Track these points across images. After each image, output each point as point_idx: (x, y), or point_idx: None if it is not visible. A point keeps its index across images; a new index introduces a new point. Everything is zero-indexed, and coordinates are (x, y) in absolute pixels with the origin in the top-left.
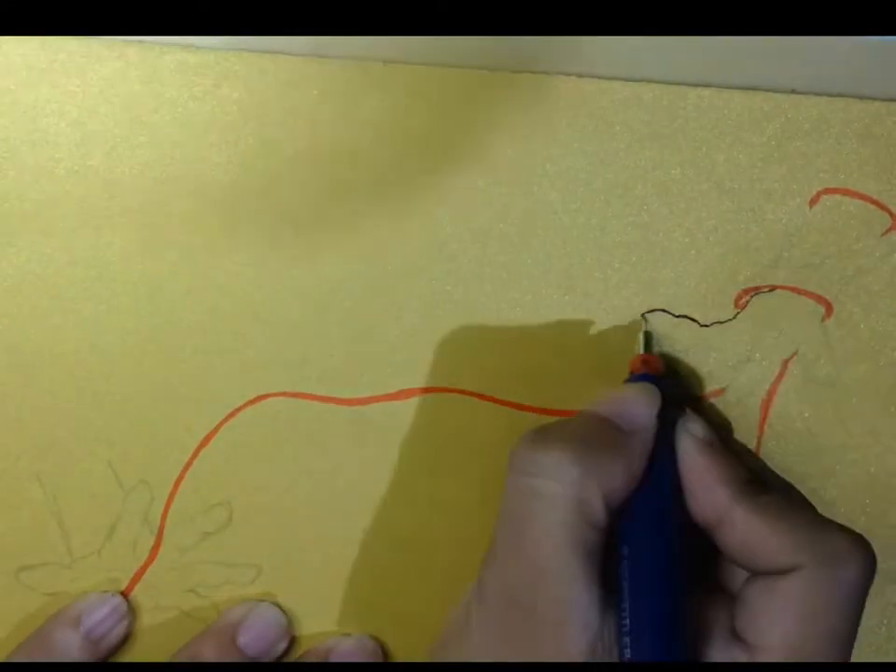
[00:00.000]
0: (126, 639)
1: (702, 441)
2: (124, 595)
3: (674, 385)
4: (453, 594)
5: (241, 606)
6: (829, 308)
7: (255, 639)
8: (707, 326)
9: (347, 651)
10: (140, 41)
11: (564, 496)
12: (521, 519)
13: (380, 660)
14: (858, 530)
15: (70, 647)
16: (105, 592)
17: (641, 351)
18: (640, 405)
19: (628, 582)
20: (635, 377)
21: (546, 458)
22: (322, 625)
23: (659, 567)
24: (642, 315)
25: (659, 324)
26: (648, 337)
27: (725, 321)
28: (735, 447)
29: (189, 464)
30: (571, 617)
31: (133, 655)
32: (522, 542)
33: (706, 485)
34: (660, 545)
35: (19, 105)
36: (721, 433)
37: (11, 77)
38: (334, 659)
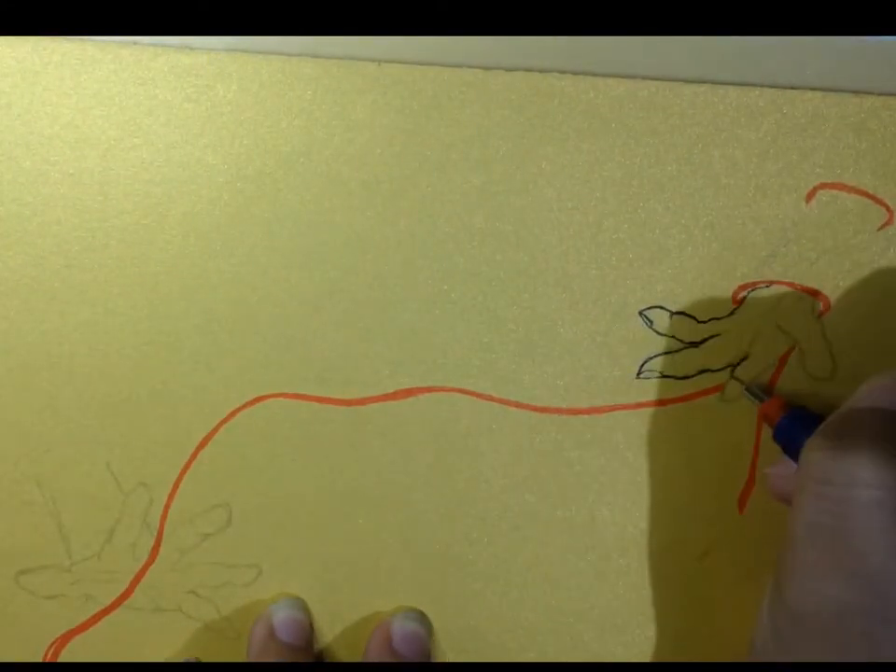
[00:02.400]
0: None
1: None
2: (124, 596)
3: (803, 407)
4: (453, 592)
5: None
6: (826, 303)
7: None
8: (704, 322)
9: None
10: (134, 43)
11: (887, 499)
12: (836, 531)
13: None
14: None
15: None
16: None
17: (759, 402)
18: None
19: None
20: (783, 423)
21: (858, 465)
22: (321, 626)
23: None
24: (640, 312)
25: (656, 321)
26: (751, 388)
27: (723, 317)
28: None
29: (187, 466)
30: None
31: (134, 657)
32: (843, 556)
33: None
34: None
35: (13, 108)
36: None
37: (5, 80)
38: (396, 632)
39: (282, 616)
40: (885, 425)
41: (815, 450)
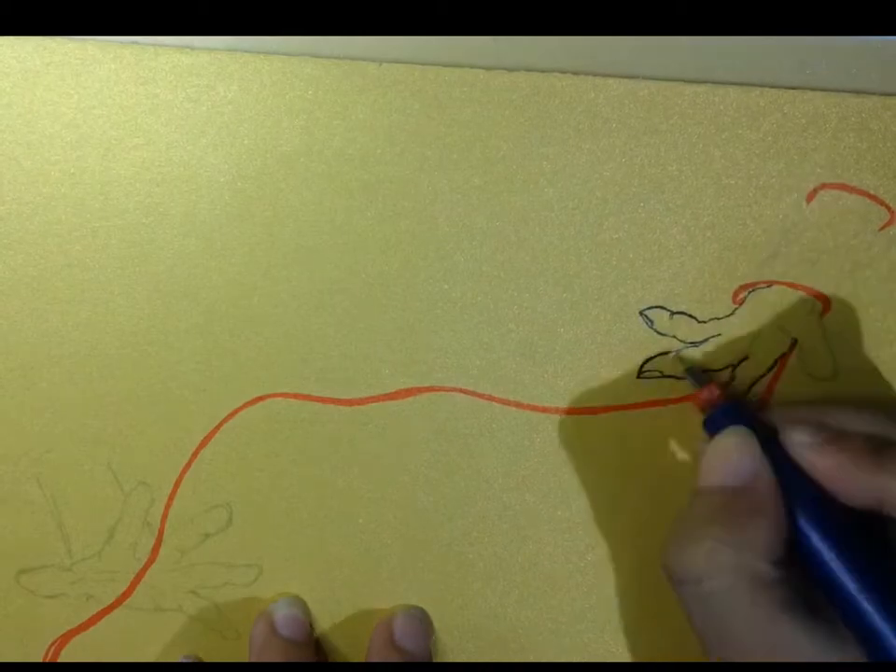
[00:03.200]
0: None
1: (821, 443)
2: (125, 595)
3: (739, 401)
4: (453, 591)
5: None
6: (827, 303)
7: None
8: (704, 322)
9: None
10: (135, 43)
11: (740, 579)
12: (717, 622)
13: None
14: None
15: None
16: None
17: (697, 386)
18: (744, 458)
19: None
20: (715, 416)
21: (698, 559)
22: (322, 625)
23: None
24: (640, 311)
25: (657, 321)
26: (693, 371)
27: (723, 317)
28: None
29: (188, 465)
30: None
31: (134, 656)
32: (733, 640)
33: (854, 479)
34: (848, 545)
35: (14, 108)
36: None
37: (6, 80)
38: (398, 628)
39: (282, 613)
40: (719, 504)
41: (667, 552)
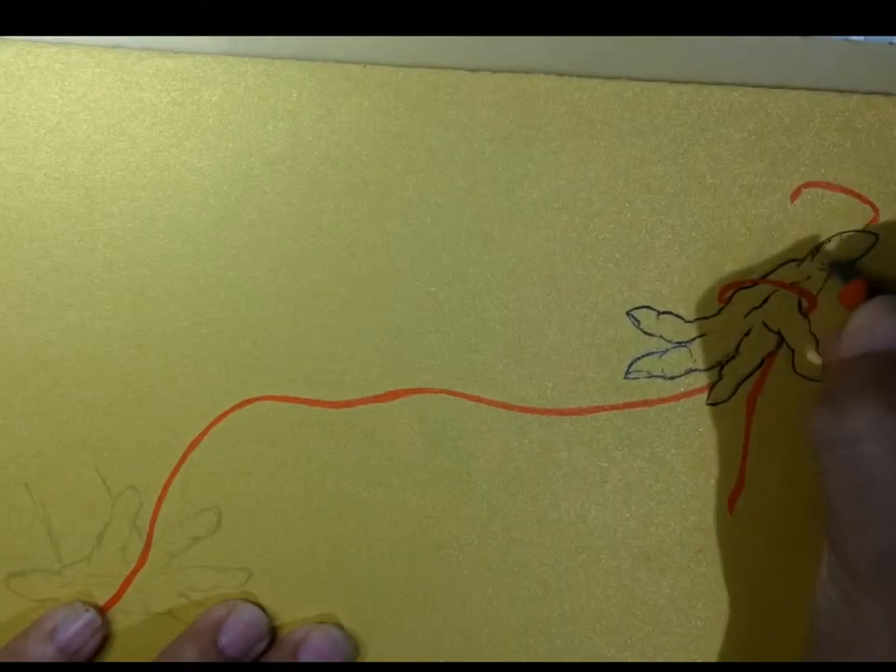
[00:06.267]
0: (98, 653)
1: None
2: (115, 599)
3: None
4: (442, 594)
5: (221, 606)
6: (812, 301)
7: (235, 640)
8: (691, 322)
9: (317, 643)
10: (118, 46)
11: (894, 447)
12: (865, 488)
13: (351, 650)
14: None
15: (44, 660)
16: (78, 604)
17: (844, 281)
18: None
19: None
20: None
21: (857, 423)
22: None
23: None
24: (627, 312)
25: (644, 321)
26: (838, 267)
27: (710, 316)
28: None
29: (176, 469)
30: None
31: (123, 660)
32: (879, 508)
33: None
34: None
35: None
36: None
37: None
38: (304, 651)
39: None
40: (876, 370)
41: (818, 415)
